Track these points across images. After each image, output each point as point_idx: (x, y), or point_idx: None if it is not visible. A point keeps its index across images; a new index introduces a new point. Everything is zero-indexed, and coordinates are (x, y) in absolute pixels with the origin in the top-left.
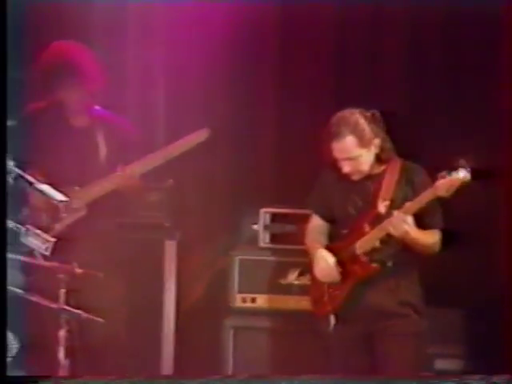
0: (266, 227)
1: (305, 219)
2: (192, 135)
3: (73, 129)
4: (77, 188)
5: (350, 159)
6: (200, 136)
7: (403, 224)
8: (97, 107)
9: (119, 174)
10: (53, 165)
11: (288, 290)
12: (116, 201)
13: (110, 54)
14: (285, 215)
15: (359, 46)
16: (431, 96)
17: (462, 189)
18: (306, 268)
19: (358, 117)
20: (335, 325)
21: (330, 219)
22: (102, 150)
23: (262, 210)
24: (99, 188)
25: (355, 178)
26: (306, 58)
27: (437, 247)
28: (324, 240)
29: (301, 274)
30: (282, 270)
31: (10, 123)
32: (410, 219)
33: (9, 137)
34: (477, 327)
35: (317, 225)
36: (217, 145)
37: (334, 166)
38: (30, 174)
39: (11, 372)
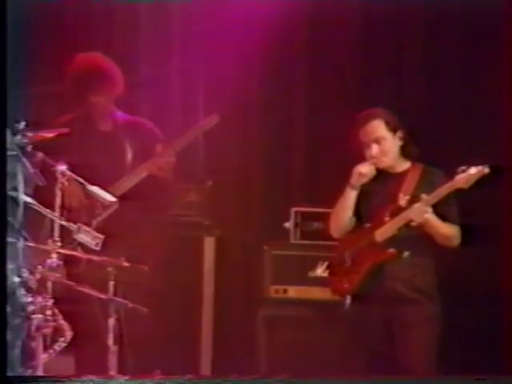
0: (296, 225)
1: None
2: (203, 121)
3: (99, 133)
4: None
5: (377, 141)
6: (211, 122)
7: (423, 212)
8: (119, 112)
9: (151, 160)
10: (84, 167)
11: (316, 281)
12: (150, 192)
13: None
14: (314, 214)
15: (382, 45)
16: (445, 96)
17: (480, 181)
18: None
19: (384, 110)
20: (350, 305)
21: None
22: (127, 151)
23: (293, 210)
24: (132, 178)
25: (381, 165)
26: (333, 58)
27: (456, 241)
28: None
29: (328, 267)
30: (310, 263)
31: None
32: (429, 209)
33: (59, 142)
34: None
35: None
36: (251, 148)
37: (361, 155)
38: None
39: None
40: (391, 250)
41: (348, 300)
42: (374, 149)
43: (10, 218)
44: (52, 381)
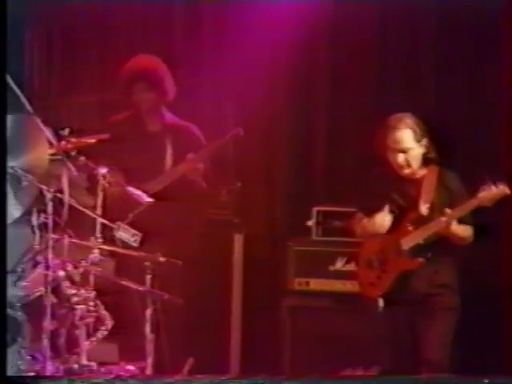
0: (318, 223)
1: (350, 215)
2: (229, 135)
3: (148, 133)
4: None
5: (404, 151)
6: (236, 134)
7: (449, 226)
8: (168, 114)
9: (181, 165)
10: (130, 164)
11: (336, 275)
12: (184, 193)
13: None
14: (334, 213)
15: (398, 47)
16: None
17: (502, 200)
18: (352, 257)
19: (413, 120)
20: (383, 307)
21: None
22: (168, 152)
23: (315, 209)
24: (164, 179)
25: (405, 172)
26: (354, 62)
27: (470, 240)
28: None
29: (347, 262)
30: (331, 258)
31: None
32: (454, 222)
33: (101, 147)
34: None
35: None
36: (277, 153)
37: (384, 159)
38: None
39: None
40: (420, 260)
41: (381, 303)
42: (400, 158)
43: (55, 217)
44: (52, 381)
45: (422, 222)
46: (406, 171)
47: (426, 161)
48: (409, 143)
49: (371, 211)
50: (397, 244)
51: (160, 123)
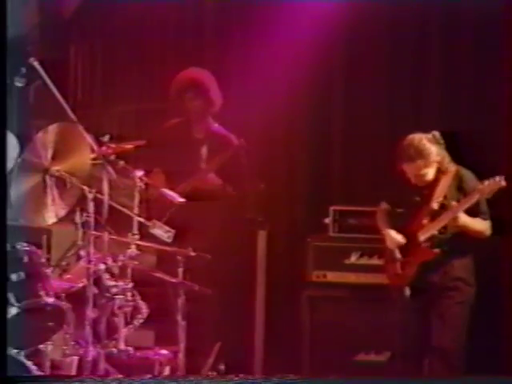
0: (334, 221)
1: (365, 214)
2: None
3: (192, 139)
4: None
5: (417, 176)
6: (239, 147)
7: (456, 217)
8: (214, 123)
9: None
10: (170, 167)
11: (351, 268)
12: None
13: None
14: (349, 211)
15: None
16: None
17: (500, 192)
18: (365, 251)
19: (424, 142)
20: (410, 295)
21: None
22: (203, 157)
23: (332, 208)
24: (186, 185)
25: (420, 185)
26: (368, 65)
27: (487, 234)
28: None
29: (361, 256)
30: (346, 252)
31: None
32: (460, 214)
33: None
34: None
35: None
36: (297, 157)
37: (402, 175)
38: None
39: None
40: (436, 250)
41: (407, 292)
42: (415, 180)
43: (97, 216)
44: (52, 381)
45: (435, 215)
46: (422, 184)
47: (442, 171)
48: (421, 171)
49: (393, 202)
50: (415, 237)
51: (205, 131)
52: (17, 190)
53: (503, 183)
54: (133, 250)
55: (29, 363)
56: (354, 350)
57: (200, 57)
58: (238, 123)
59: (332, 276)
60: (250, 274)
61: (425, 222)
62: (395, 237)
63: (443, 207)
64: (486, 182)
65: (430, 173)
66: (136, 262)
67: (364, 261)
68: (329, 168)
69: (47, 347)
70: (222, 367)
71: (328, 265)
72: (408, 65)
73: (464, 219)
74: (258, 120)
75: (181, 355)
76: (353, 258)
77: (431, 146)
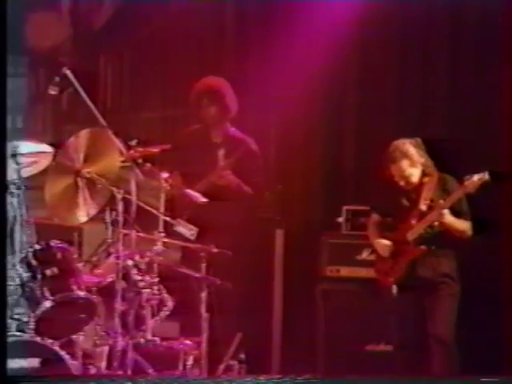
0: (347, 220)
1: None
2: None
3: (211, 144)
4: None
5: (404, 177)
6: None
7: (441, 214)
8: (232, 128)
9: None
10: (191, 170)
11: (362, 263)
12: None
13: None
14: (360, 211)
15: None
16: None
17: (483, 186)
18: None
19: (408, 146)
20: (397, 292)
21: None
22: (221, 159)
23: (345, 208)
24: (203, 183)
25: (407, 187)
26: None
27: (468, 234)
28: (378, 231)
29: (371, 252)
30: (358, 249)
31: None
32: (446, 211)
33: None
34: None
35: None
36: (312, 160)
37: (391, 180)
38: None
39: None
40: (422, 247)
41: (394, 290)
42: (402, 182)
43: (125, 215)
44: (52, 381)
45: (422, 216)
46: (409, 187)
47: (426, 173)
48: (407, 171)
49: (383, 211)
50: (404, 237)
51: (222, 136)
52: (51, 190)
53: (486, 177)
54: (159, 247)
55: (62, 353)
56: (365, 340)
57: (220, 65)
58: (256, 128)
59: (345, 271)
60: (269, 270)
61: (413, 222)
62: (386, 244)
63: (431, 208)
64: (470, 178)
65: (415, 173)
66: (162, 258)
67: (374, 257)
68: (342, 170)
69: (79, 338)
70: (243, 356)
71: (341, 260)
72: (418, 66)
73: (449, 217)
74: (276, 125)
75: (204, 345)
76: (364, 254)
77: (414, 149)
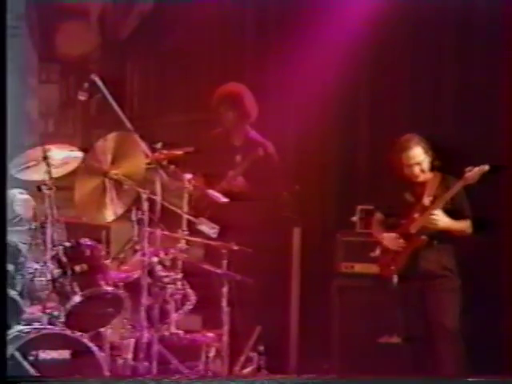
0: (361, 218)
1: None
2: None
3: (232, 146)
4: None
5: (417, 163)
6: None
7: (435, 220)
8: (252, 132)
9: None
10: (213, 171)
11: (375, 260)
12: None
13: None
14: (373, 210)
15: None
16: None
17: (484, 178)
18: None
19: (417, 137)
20: (397, 282)
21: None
22: (239, 162)
23: (359, 207)
24: (219, 189)
25: (419, 179)
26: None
27: (469, 231)
28: (382, 228)
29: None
30: (371, 246)
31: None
32: (440, 213)
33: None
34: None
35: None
36: (328, 162)
37: (401, 172)
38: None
39: None
40: (423, 237)
41: (395, 279)
42: (416, 169)
43: (150, 214)
44: (52, 381)
45: (425, 211)
46: (420, 178)
47: (432, 167)
48: (421, 156)
49: (387, 210)
50: (407, 230)
51: (243, 139)
52: (80, 191)
53: (486, 168)
54: (182, 245)
55: (91, 345)
56: (379, 332)
57: (241, 71)
58: (276, 132)
59: (359, 267)
60: (287, 266)
61: (416, 216)
62: (394, 237)
63: (433, 203)
64: (471, 169)
65: (426, 162)
66: (185, 255)
67: (379, 252)
68: (356, 172)
69: (107, 330)
70: (262, 348)
71: (355, 257)
72: (429, 66)
73: (444, 221)
74: (294, 130)
75: (225, 337)
76: (377, 252)
77: (423, 140)
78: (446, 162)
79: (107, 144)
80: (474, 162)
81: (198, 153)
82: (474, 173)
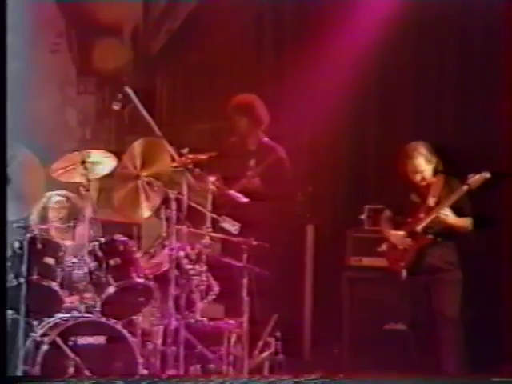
0: (368, 217)
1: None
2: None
3: (247, 151)
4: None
5: (419, 171)
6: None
7: (446, 216)
8: (266, 137)
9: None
10: (232, 174)
11: (381, 254)
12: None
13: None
14: (380, 209)
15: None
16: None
17: (485, 184)
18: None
19: (422, 146)
20: (406, 276)
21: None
22: (252, 165)
23: (367, 206)
24: (235, 187)
25: (422, 184)
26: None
27: (470, 227)
28: (389, 225)
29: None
30: (378, 242)
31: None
32: (447, 210)
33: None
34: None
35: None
36: (338, 164)
37: (405, 176)
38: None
39: None
40: (429, 237)
41: (404, 273)
42: (418, 177)
43: (178, 213)
44: (52, 381)
45: (430, 211)
46: (423, 183)
47: (435, 172)
48: (423, 167)
49: (396, 209)
50: (413, 229)
51: (257, 144)
52: (117, 194)
53: (488, 175)
54: (207, 240)
55: (124, 331)
56: (385, 320)
57: (258, 82)
58: (290, 137)
59: (367, 261)
60: (301, 260)
61: (422, 216)
62: (401, 235)
63: (437, 204)
64: (473, 176)
65: (428, 169)
66: (209, 250)
67: (386, 247)
68: (364, 173)
69: (139, 318)
70: (278, 334)
71: (363, 252)
72: (433, 72)
73: (451, 218)
74: (307, 136)
75: (245, 324)
76: (383, 247)
77: (426, 150)
78: (449, 166)
79: (137, 149)
80: (476, 166)
81: (220, 157)
82: (475, 179)
